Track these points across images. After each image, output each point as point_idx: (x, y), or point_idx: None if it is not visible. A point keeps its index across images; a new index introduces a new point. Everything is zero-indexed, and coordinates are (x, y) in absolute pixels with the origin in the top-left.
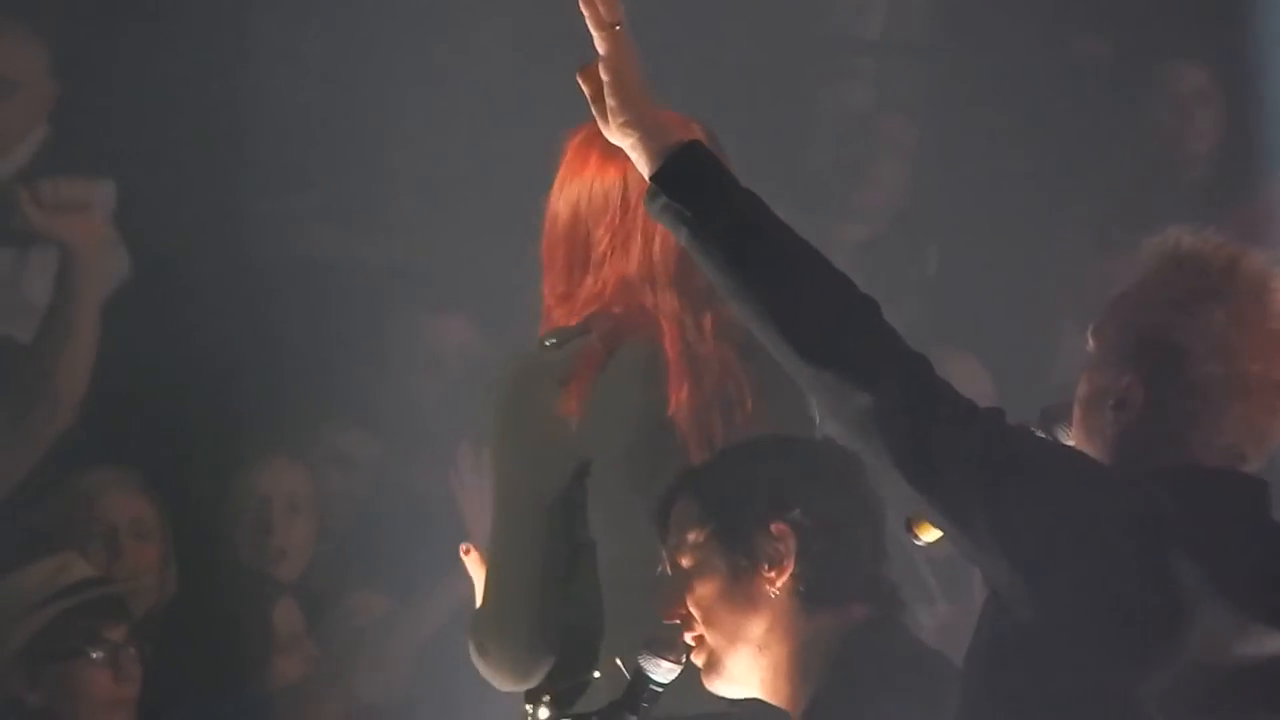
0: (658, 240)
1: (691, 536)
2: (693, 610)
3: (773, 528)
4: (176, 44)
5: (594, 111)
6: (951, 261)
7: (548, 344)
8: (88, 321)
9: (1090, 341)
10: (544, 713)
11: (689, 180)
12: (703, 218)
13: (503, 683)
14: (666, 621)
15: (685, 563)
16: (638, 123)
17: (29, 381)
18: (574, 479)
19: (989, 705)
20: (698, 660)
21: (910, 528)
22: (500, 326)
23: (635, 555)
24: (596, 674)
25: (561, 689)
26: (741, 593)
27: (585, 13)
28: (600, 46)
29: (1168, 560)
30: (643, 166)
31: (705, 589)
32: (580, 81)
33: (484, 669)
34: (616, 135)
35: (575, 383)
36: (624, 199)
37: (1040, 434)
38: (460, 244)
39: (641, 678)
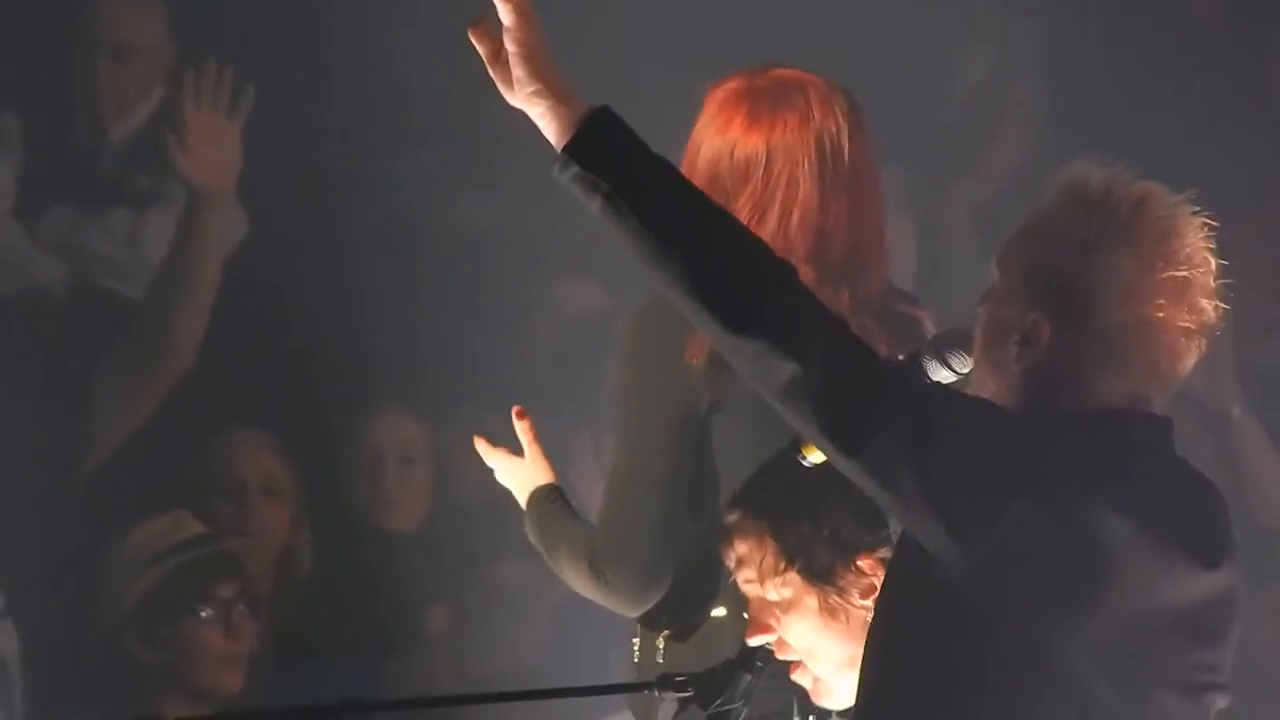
0: (795, 215)
1: (774, 578)
2: (790, 643)
3: (860, 562)
4: (294, 3)
5: (491, 74)
6: None
7: None
8: (210, 267)
9: (995, 271)
10: (659, 655)
11: (603, 148)
12: (618, 186)
13: (616, 605)
14: (750, 641)
15: (771, 596)
16: (548, 91)
17: (147, 333)
18: (701, 417)
19: (912, 664)
20: (803, 682)
21: (799, 448)
22: (629, 293)
23: None
24: (719, 611)
25: (680, 627)
26: (838, 625)
27: None
28: (505, 17)
29: (1094, 508)
30: (552, 135)
31: (800, 627)
32: (474, 40)
33: (596, 590)
34: (523, 103)
35: None
36: (766, 169)
37: (934, 362)
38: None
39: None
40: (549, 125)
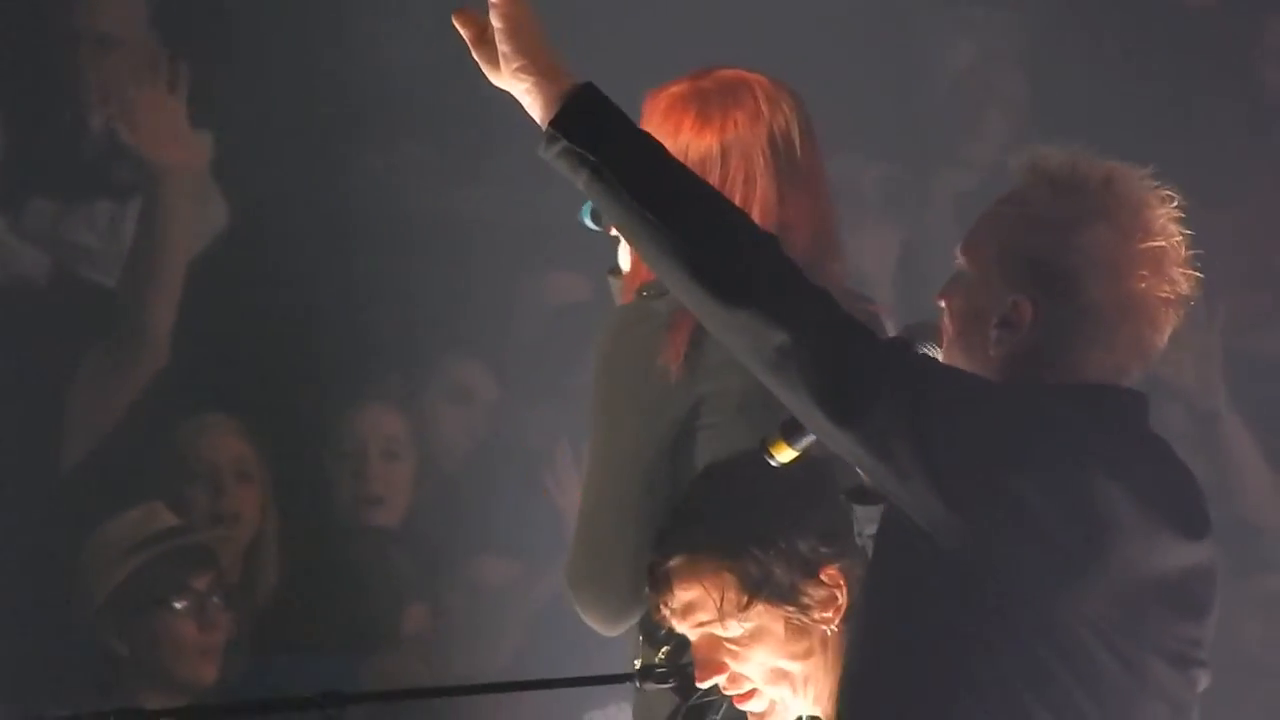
0: (756, 212)
1: (738, 613)
2: (747, 673)
3: (823, 575)
4: None
5: (476, 56)
6: None
7: (644, 294)
8: (171, 254)
9: (961, 258)
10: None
11: (589, 123)
12: (605, 160)
13: (595, 625)
14: (701, 684)
15: (732, 633)
16: (533, 67)
17: (120, 321)
18: (681, 425)
19: (915, 643)
20: (755, 708)
21: (766, 448)
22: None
23: None
24: None
25: (682, 639)
26: (799, 644)
27: None
28: None
29: (1091, 479)
30: (537, 111)
31: (762, 655)
32: (458, 24)
33: (578, 608)
34: (509, 81)
35: (678, 330)
36: (722, 168)
37: None
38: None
39: None
40: (534, 102)
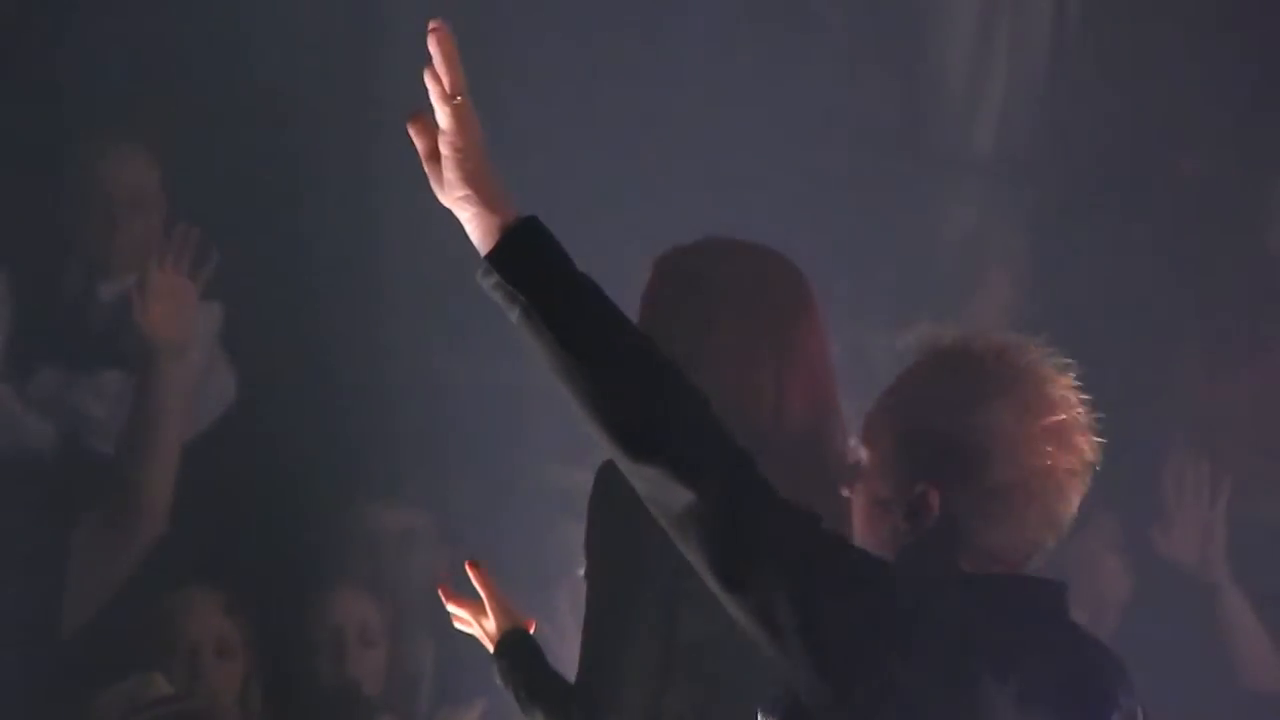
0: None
1: None
2: None
3: None
4: (290, 162)
5: (426, 170)
6: None
7: None
8: (170, 423)
9: (863, 450)
10: None
11: (523, 261)
12: (535, 300)
13: None
14: None
15: None
16: (476, 198)
17: (116, 494)
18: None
19: None
20: None
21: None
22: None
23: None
24: None
25: None
26: None
27: (429, 86)
28: (442, 121)
29: (976, 675)
30: (476, 241)
31: None
32: (412, 134)
33: None
34: (452, 206)
35: None
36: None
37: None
38: None
39: None
40: (474, 230)
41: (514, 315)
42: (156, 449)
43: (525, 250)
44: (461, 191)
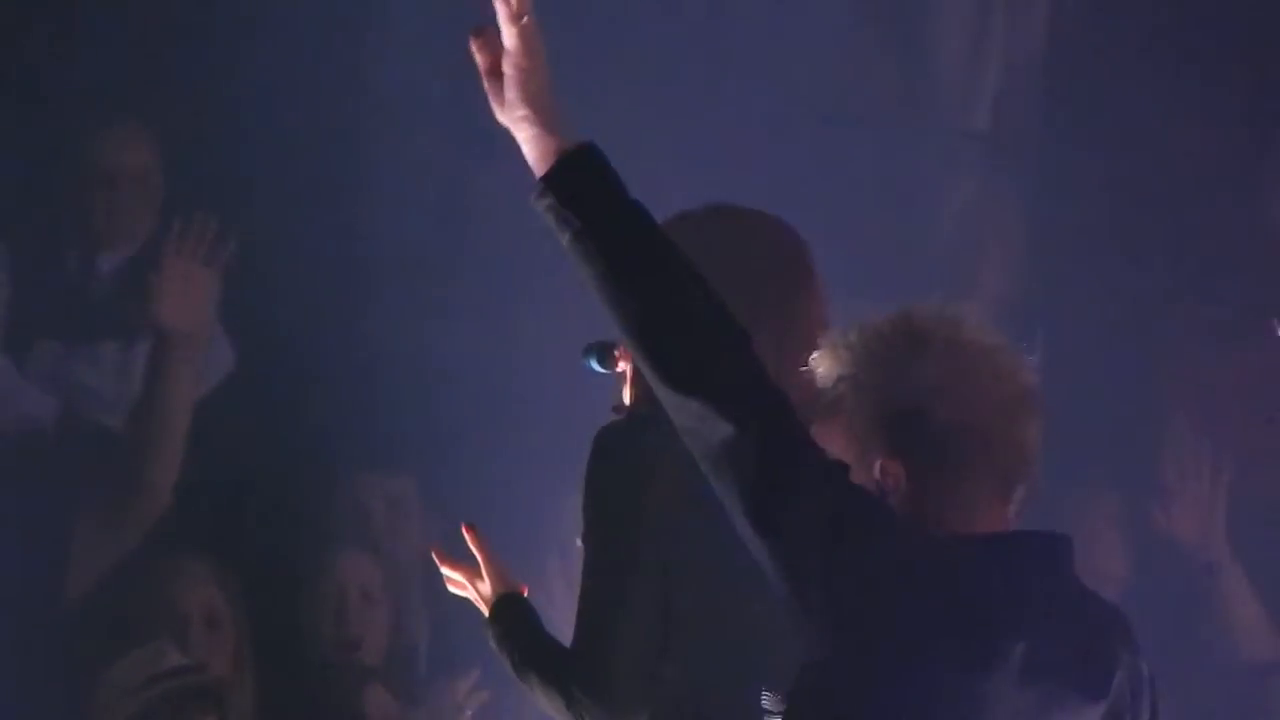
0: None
1: None
2: None
3: None
4: (284, 138)
5: (486, 86)
6: (1058, 348)
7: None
8: (179, 410)
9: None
10: None
11: (580, 185)
12: (588, 225)
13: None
14: None
15: None
16: (536, 119)
17: (123, 470)
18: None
19: None
20: None
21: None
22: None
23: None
24: None
25: None
26: None
27: (497, 7)
28: (508, 41)
29: (994, 646)
30: (532, 162)
31: None
32: (474, 50)
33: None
34: (511, 125)
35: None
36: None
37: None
38: None
39: None
40: (531, 152)
41: (565, 239)
42: (166, 435)
43: (582, 175)
44: (522, 111)
